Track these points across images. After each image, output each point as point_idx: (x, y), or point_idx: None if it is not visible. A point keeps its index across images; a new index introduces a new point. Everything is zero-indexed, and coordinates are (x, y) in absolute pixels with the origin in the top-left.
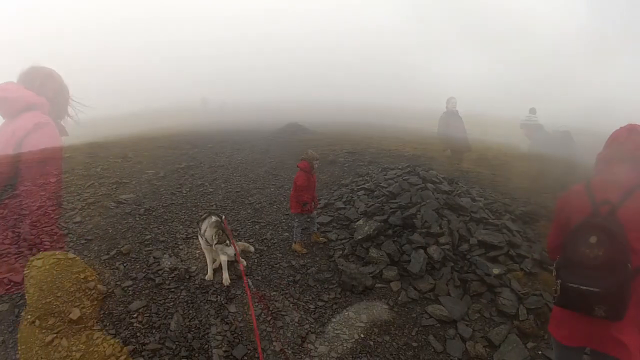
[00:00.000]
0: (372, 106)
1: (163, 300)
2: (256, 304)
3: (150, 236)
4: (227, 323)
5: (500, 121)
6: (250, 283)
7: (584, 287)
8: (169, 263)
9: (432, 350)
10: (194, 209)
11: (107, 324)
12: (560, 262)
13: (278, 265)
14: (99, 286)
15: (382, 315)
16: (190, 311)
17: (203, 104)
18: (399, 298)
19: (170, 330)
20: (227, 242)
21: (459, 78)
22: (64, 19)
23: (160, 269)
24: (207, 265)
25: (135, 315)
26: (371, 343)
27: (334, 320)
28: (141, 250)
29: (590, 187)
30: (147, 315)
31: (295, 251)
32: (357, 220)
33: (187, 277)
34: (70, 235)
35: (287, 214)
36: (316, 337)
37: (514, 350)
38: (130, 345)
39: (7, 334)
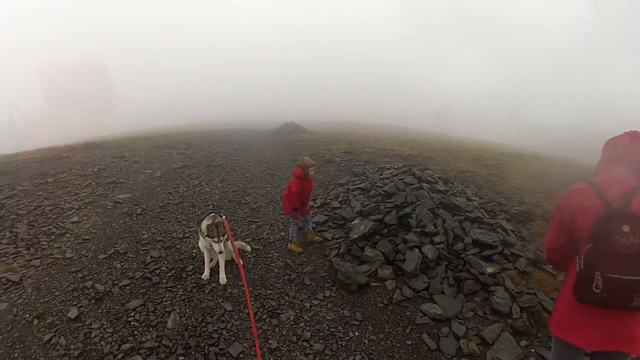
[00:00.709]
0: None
1: (160, 299)
2: (252, 302)
3: (147, 236)
4: (223, 321)
5: (499, 120)
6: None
7: (625, 277)
8: (166, 262)
9: (426, 348)
10: (190, 208)
11: (105, 322)
12: (593, 257)
13: (274, 264)
14: (96, 285)
15: (376, 314)
16: (187, 310)
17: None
18: (394, 296)
19: (167, 329)
20: (216, 239)
21: (457, 77)
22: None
23: (157, 268)
24: (203, 264)
25: (132, 314)
26: (366, 341)
27: (329, 318)
28: (138, 250)
29: (595, 185)
30: (145, 313)
31: (291, 250)
32: (353, 220)
33: (184, 276)
34: (67, 234)
35: (283, 214)
36: (311, 335)
37: (507, 348)
38: (128, 344)
39: (5, 333)
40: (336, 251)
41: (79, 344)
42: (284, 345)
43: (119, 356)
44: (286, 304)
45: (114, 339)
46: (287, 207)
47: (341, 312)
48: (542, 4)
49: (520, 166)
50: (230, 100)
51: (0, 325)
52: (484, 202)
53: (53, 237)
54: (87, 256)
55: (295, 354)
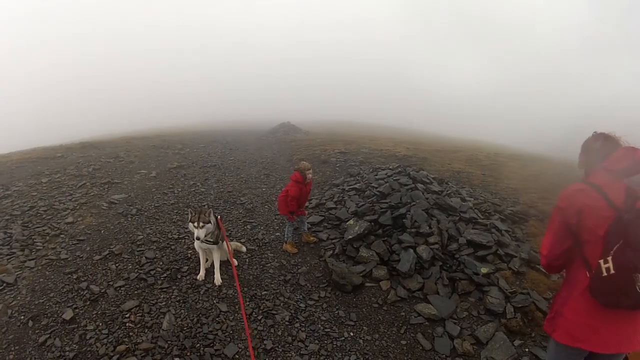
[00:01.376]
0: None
1: (155, 300)
2: (247, 303)
3: (142, 236)
4: (218, 322)
5: (499, 120)
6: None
7: None
8: (161, 263)
9: (421, 348)
10: (186, 209)
11: (100, 323)
12: (629, 258)
13: (269, 265)
14: (91, 286)
15: (371, 314)
16: (182, 311)
17: None
18: (389, 297)
19: (163, 330)
20: (195, 223)
21: (457, 78)
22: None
23: (153, 269)
24: (199, 265)
25: (127, 315)
26: (360, 341)
27: (324, 318)
28: (133, 251)
29: (596, 185)
30: (140, 314)
31: (286, 251)
32: (348, 220)
33: (179, 277)
34: (62, 235)
35: (278, 214)
36: (306, 336)
37: (501, 347)
38: (123, 345)
39: (0, 335)
40: (331, 252)
41: (74, 345)
42: (279, 346)
43: (115, 358)
44: (281, 304)
45: (110, 340)
46: (282, 209)
47: (336, 312)
48: (543, 5)
49: (516, 166)
50: (227, 100)
51: None
52: (478, 203)
53: (48, 238)
54: (82, 257)
55: (290, 355)
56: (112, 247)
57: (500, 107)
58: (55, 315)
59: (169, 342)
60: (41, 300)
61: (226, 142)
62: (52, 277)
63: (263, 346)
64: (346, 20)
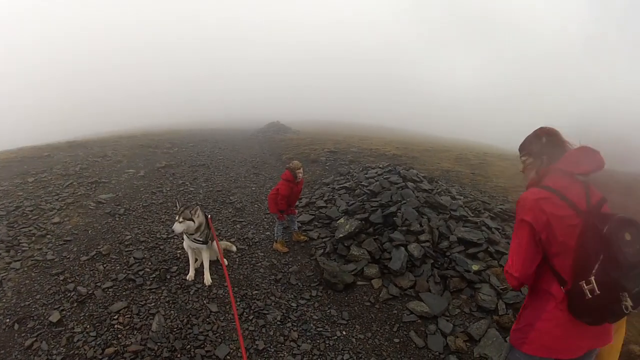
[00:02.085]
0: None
1: (144, 301)
2: (238, 303)
3: (130, 236)
4: (209, 323)
5: (496, 121)
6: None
7: None
8: (150, 263)
9: (414, 345)
10: (174, 208)
11: (88, 326)
12: (616, 277)
13: (260, 264)
14: (78, 288)
15: (363, 313)
16: (172, 312)
17: None
18: (380, 295)
19: (152, 331)
20: (177, 217)
21: (456, 78)
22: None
23: (141, 270)
24: (188, 265)
25: (116, 317)
26: (353, 340)
27: (316, 318)
28: (121, 251)
29: (557, 191)
30: (128, 316)
31: (277, 250)
32: (338, 219)
33: (168, 277)
34: (48, 236)
35: (268, 213)
36: (299, 335)
37: (493, 344)
38: (112, 347)
39: None
40: (322, 250)
41: (62, 348)
42: (271, 346)
43: None
44: (272, 304)
45: (98, 342)
46: (272, 208)
47: (328, 311)
48: (543, 6)
49: (504, 166)
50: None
51: None
52: (468, 201)
53: (34, 238)
54: (68, 258)
55: (282, 355)
56: (99, 247)
57: (499, 108)
58: (42, 318)
59: (158, 343)
60: (27, 303)
61: (215, 142)
62: (39, 278)
63: (255, 346)
64: (343, 19)
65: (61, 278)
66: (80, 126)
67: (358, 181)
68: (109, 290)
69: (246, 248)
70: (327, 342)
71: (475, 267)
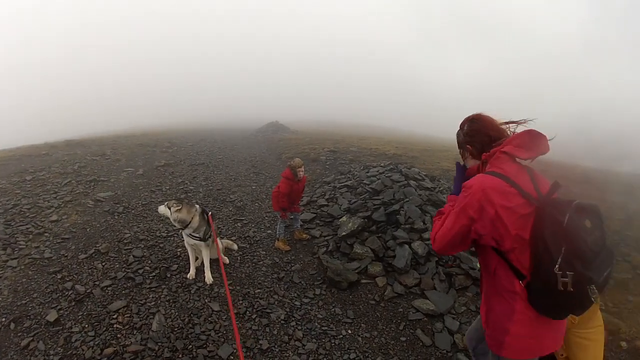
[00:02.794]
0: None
1: (144, 300)
2: (240, 301)
3: (129, 234)
4: (210, 322)
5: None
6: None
7: (608, 272)
8: (149, 261)
9: (421, 344)
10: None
11: (86, 325)
12: (582, 270)
13: (262, 262)
14: (76, 286)
15: (368, 311)
16: (173, 311)
17: None
18: (385, 293)
19: (152, 331)
20: (171, 208)
21: (456, 79)
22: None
23: (141, 268)
24: (188, 263)
25: (115, 316)
26: (359, 339)
27: (320, 316)
28: (120, 249)
29: (508, 178)
30: (128, 315)
31: (279, 248)
32: (341, 217)
33: (168, 275)
34: (46, 234)
35: (269, 212)
36: (303, 335)
37: None
38: (111, 347)
39: None
40: (325, 249)
41: (59, 348)
42: (276, 346)
43: None
44: (275, 302)
45: (96, 342)
46: (275, 205)
47: (332, 310)
48: (543, 6)
49: None
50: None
51: None
52: None
53: (31, 236)
54: (66, 256)
55: (287, 354)
56: (98, 245)
57: (499, 108)
58: (39, 317)
59: (159, 343)
60: (24, 301)
61: (214, 141)
62: (36, 277)
63: (259, 346)
64: (342, 19)
65: (59, 276)
66: (78, 125)
67: (359, 180)
68: (108, 289)
69: (247, 246)
70: (333, 341)
71: (479, 265)
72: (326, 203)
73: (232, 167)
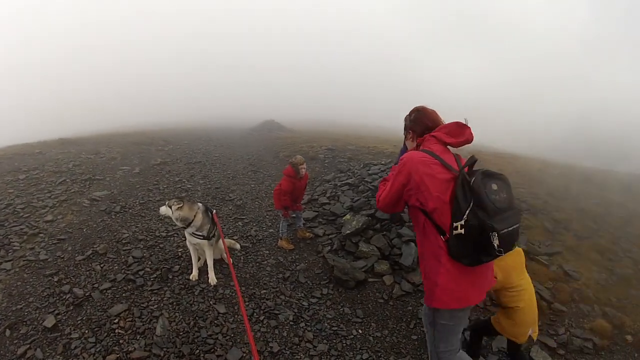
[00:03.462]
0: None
1: (146, 303)
2: (247, 303)
3: (128, 234)
4: (217, 325)
5: (496, 121)
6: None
7: (512, 228)
8: (150, 262)
9: None
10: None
11: (86, 331)
12: (483, 219)
13: (265, 262)
14: (74, 290)
15: (377, 310)
16: (177, 314)
17: None
18: (394, 291)
19: (157, 336)
20: (172, 207)
21: (455, 79)
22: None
23: (141, 270)
24: (190, 264)
25: (116, 321)
26: (371, 338)
27: (329, 317)
28: (119, 250)
29: (434, 153)
30: (130, 320)
31: (282, 247)
32: (344, 215)
33: (170, 277)
34: (41, 234)
35: (270, 210)
36: (314, 336)
37: None
38: (113, 354)
39: None
40: (329, 247)
41: (58, 356)
42: (286, 348)
43: None
44: (283, 303)
45: (97, 349)
46: (277, 204)
47: (341, 309)
48: (544, 6)
49: (500, 163)
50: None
51: None
52: None
53: (25, 237)
54: (63, 258)
55: (299, 356)
56: (95, 246)
57: (498, 108)
58: (36, 323)
59: (164, 349)
60: (19, 306)
61: (210, 139)
62: (31, 280)
63: (269, 349)
64: (342, 18)
65: (55, 279)
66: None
67: (361, 177)
68: (108, 292)
69: (250, 246)
70: (344, 342)
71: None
72: (328, 201)
73: (229, 166)
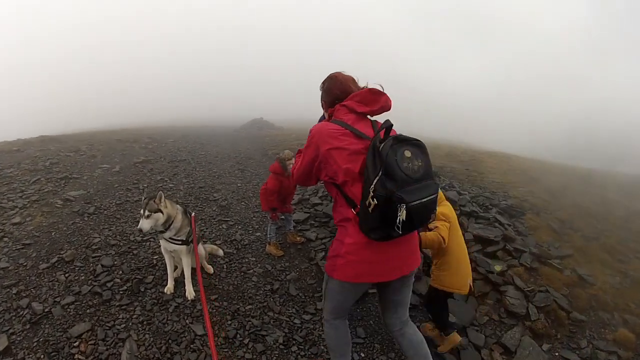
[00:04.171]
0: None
1: (112, 322)
2: (229, 321)
3: (99, 239)
4: (193, 350)
5: (496, 120)
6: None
7: (425, 200)
8: (120, 272)
9: None
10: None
11: (42, 355)
12: (391, 191)
13: (252, 271)
14: (33, 304)
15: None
16: (147, 336)
17: None
18: None
19: None
20: (142, 211)
21: (455, 78)
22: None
23: (110, 280)
24: (166, 274)
25: (76, 344)
26: None
27: None
28: (88, 257)
29: (345, 124)
30: (92, 342)
31: (270, 254)
32: None
33: (142, 289)
34: (5, 238)
35: (257, 211)
36: None
37: (531, 354)
38: None
39: None
40: (323, 253)
41: None
42: None
43: None
44: (271, 321)
45: None
46: (264, 205)
47: None
48: (544, 6)
49: (495, 162)
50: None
51: None
52: (473, 196)
53: None
54: (25, 265)
55: None
56: (62, 252)
57: (498, 108)
58: None
59: None
60: None
61: (197, 137)
62: None
63: None
64: (342, 17)
65: (14, 291)
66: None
67: None
68: (70, 307)
69: (234, 252)
70: None
71: (498, 268)
72: (320, 201)
73: (215, 164)
